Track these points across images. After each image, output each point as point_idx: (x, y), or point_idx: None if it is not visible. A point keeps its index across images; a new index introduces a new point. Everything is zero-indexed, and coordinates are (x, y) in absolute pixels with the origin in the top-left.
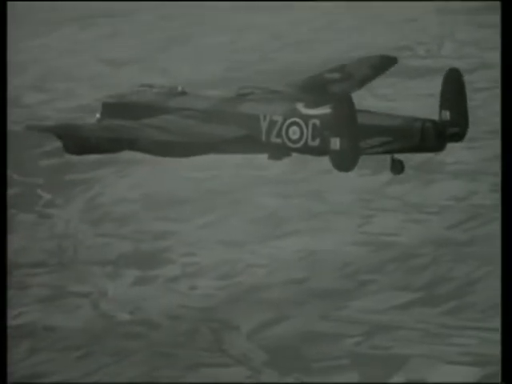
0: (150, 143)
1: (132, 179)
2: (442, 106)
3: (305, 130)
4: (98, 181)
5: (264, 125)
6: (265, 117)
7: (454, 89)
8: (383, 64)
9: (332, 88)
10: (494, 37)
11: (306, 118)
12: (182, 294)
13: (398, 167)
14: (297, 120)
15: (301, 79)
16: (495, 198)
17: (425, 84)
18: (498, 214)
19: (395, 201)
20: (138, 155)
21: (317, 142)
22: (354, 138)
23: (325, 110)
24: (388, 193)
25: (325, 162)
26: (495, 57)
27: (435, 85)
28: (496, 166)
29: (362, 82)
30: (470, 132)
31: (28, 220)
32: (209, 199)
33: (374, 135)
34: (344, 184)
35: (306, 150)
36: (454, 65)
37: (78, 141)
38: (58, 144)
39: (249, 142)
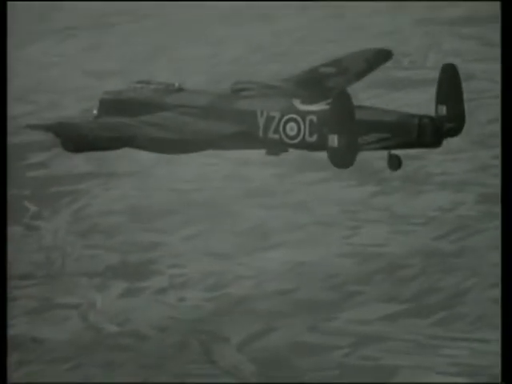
0: (148, 140)
1: (118, 191)
2: (438, 101)
3: (302, 126)
4: (84, 193)
5: (261, 121)
6: (262, 113)
7: (449, 84)
8: (378, 57)
9: (328, 83)
10: (477, 48)
11: (303, 114)
12: (171, 305)
13: (395, 162)
14: (294, 116)
15: (296, 74)
16: (481, 209)
17: (411, 95)
18: (484, 225)
19: (382, 212)
20: (124, 167)
21: (314, 138)
22: (351, 135)
23: (322, 107)
24: (374, 204)
25: (310, 174)
26: (478, 68)
27: (420, 96)
28: (482, 177)
29: (358, 75)
30: (456, 143)
31: (15, 232)
32: (195, 211)
33: (371, 131)
34: (330, 195)
35: (304, 145)
36: (437, 76)
37: (76, 139)
38: (44, 156)
39: (246, 138)
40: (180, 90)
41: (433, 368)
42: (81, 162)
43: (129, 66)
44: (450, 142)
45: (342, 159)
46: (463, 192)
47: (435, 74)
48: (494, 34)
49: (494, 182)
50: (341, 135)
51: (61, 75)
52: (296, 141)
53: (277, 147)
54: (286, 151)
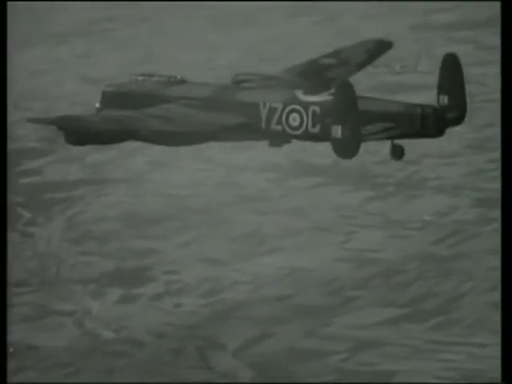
0: (151, 133)
1: (112, 197)
2: (440, 91)
3: (305, 117)
4: (78, 199)
5: (264, 112)
6: (264, 104)
7: (451, 73)
8: (378, 48)
9: (329, 74)
10: (470, 52)
11: (306, 105)
12: (167, 311)
13: (398, 152)
14: (297, 107)
15: (297, 66)
16: (477, 213)
17: (404, 99)
18: (480, 229)
19: (377, 217)
20: (117, 174)
21: (317, 129)
22: (355, 125)
23: (325, 97)
24: (370, 209)
25: (305, 179)
26: (472, 72)
27: (413, 99)
28: (477, 181)
29: (358, 66)
30: (450, 147)
31: (10, 239)
32: (190, 217)
33: (374, 121)
34: (325, 200)
35: (306, 136)
36: (430, 80)
37: (79, 132)
38: (37, 163)
39: (249, 129)
40: (182, 82)
41: (430, 372)
42: (74, 168)
43: (122, 71)
44: (444, 147)
45: (346, 150)
46: (459, 196)
47: (427, 79)
48: (487, 38)
49: (489, 186)
50: (344, 125)
51: (54, 81)
52: (299, 132)
53: (279, 138)
54: (289, 142)
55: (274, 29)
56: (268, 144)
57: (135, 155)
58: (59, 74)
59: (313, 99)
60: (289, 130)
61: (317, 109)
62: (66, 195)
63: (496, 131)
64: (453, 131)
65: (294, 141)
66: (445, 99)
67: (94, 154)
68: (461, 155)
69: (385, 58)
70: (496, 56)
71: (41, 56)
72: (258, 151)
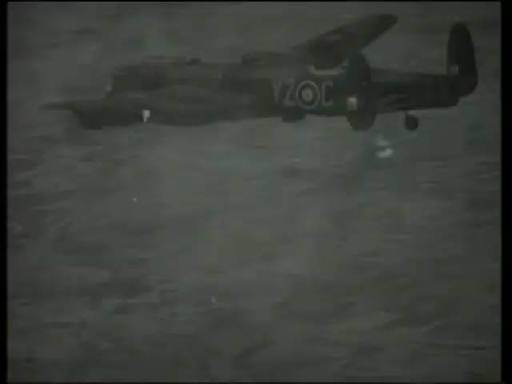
0: (167, 114)
1: (101, 208)
2: (450, 61)
3: (318, 92)
4: (68, 210)
5: (277, 89)
6: (277, 81)
7: (460, 42)
8: (384, 23)
9: (337, 49)
10: None
11: (319, 80)
12: (163, 321)
13: (411, 123)
14: (309, 82)
15: (303, 44)
16: (470, 216)
17: None
18: (474, 231)
19: (371, 222)
20: (107, 184)
21: (330, 103)
22: (370, 97)
23: (337, 71)
24: (363, 213)
25: (296, 185)
26: None
27: None
28: (468, 183)
29: (365, 41)
30: (440, 150)
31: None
32: (181, 225)
33: (387, 93)
34: (317, 206)
35: (320, 111)
36: None
37: (95, 114)
38: (26, 175)
39: (262, 106)
40: (192, 62)
41: (432, 376)
42: (64, 179)
43: (100, 82)
44: (435, 149)
45: (362, 121)
46: (451, 199)
47: None
48: (476, 39)
49: (482, 188)
50: (359, 97)
51: (34, 93)
52: (312, 106)
53: (293, 114)
54: (302, 118)
55: (255, 36)
56: (282, 120)
57: (124, 165)
58: (39, 85)
59: (325, 73)
60: (302, 106)
61: (330, 83)
62: (56, 206)
63: (483, 134)
64: (441, 133)
65: (284, 146)
66: (455, 68)
67: (83, 164)
68: (450, 158)
69: (376, 61)
70: (483, 58)
71: (19, 68)
72: (247, 158)
